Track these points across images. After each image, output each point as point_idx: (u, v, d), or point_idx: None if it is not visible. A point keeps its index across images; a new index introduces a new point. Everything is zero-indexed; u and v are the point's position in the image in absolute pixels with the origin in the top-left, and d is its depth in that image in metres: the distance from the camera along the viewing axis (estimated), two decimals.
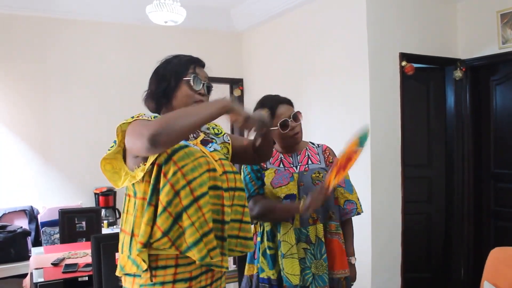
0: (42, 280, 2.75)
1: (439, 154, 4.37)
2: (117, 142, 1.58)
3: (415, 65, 3.93)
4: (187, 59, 1.72)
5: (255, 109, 2.29)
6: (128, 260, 1.57)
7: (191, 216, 1.51)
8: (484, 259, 2.78)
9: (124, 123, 1.56)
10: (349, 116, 3.98)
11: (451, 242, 4.33)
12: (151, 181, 1.52)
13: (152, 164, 1.53)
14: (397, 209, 3.90)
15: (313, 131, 4.01)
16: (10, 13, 4.67)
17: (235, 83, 5.76)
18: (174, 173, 1.50)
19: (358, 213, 2.27)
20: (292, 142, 2.23)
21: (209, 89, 1.74)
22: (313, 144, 2.35)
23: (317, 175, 2.19)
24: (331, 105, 4.20)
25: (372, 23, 3.78)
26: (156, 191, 1.52)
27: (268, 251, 2.19)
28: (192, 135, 1.71)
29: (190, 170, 1.53)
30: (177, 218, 1.50)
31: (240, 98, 5.75)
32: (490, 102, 4.17)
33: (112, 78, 5.07)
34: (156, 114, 1.62)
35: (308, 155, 2.28)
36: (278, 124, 2.17)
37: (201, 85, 1.70)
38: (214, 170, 1.59)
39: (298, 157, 2.27)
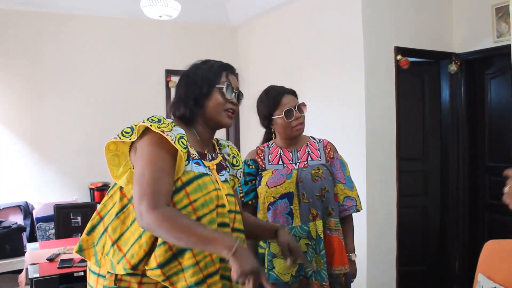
0: (37, 275, 2.75)
1: (434, 147, 4.38)
2: (132, 137, 1.47)
3: (410, 59, 3.93)
4: (219, 65, 1.66)
5: (260, 98, 2.31)
6: (91, 248, 1.54)
7: (196, 255, 1.44)
8: (478, 252, 2.79)
9: (149, 125, 1.44)
10: (344, 110, 3.98)
11: (446, 235, 4.35)
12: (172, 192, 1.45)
13: None
14: (392, 202, 3.92)
15: (309, 125, 3.97)
16: (3, 8, 4.64)
17: None
18: (185, 207, 1.45)
19: (358, 210, 2.27)
20: (294, 134, 2.22)
21: (239, 97, 1.68)
22: (314, 139, 2.35)
23: (317, 171, 2.19)
24: (326, 99, 4.20)
25: (367, 17, 3.78)
26: None
27: (259, 249, 2.21)
28: (210, 155, 1.64)
29: (201, 205, 1.47)
30: (178, 254, 1.43)
31: None
32: (485, 96, 4.18)
33: (107, 73, 5.05)
34: (183, 134, 1.47)
35: (308, 151, 2.27)
36: (283, 113, 2.18)
37: (233, 94, 1.64)
38: (223, 206, 1.55)
39: (298, 153, 2.26)
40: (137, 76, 5.12)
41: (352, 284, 2.28)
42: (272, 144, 2.32)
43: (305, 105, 2.25)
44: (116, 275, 1.47)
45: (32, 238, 4.48)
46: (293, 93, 2.29)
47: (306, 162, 2.23)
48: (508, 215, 3.08)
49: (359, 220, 3.71)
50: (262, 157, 2.27)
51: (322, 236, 2.16)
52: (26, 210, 4.63)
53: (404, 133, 4.03)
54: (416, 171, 4.34)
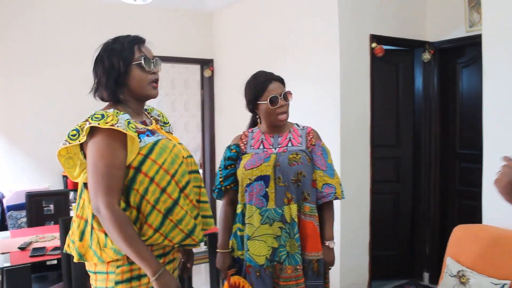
0: (8, 264, 2.71)
1: (407, 134, 4.45)
2: (80, 138, 1.55)
3: (385, 47, 3.96)
4: (130, 41, 1.70)
5: (248, 82, 2.31)
6: (89, 250, 1.60)
7: (183, 206, 1.62)
8: (448, 237, 2.87)
9: (96, 124, 1.51)
10: (319, 98, 4.00)
11: (417, 220, 4.44)
12: (126, 183, 1.56)
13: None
14: (366, 189, 3.98)
15: None
16: None
17: (206, 64, 5.70)
18: (157, 171, 1.57)
19: (337, 198, 2.28)
20: (278, 123, 2.26)
21: (158, 63, 1.74)
22: (298, 126, 2.38)
23: (294, 156, 2.21)
24: (302, 85, 4.21)
25: (343, 5, 3.79)
26: (133, 191, 1.56)
27: (238, 232, 2.26)
28: (148, 120, 1.77)
29: (170, 164, 1.61)
30: (167, 213, 1.58)
31: (211, 79, 5.70)
32: (456, 84, 4.25)
33: (80, 57, 4.92)
34: (129, 118, 1.58)
35: (290, 137, 2.30)
36: (268, 99, 2.20)
37: (152, 64, 1.70)
38: (184, 156, 1.71)
39: (279, 139, 2.29)
40: None
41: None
42: (256, 129, 2.37)
43: (291, 94, 2.29)
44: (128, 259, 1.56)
45: (3, 227, 4.39)
46: (280, 80, 2.31)
47: (286, 147, 2.26)
48: (476, 200, 3.17)
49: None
50: (245, 142, 2.32)
51: (296, 220, 2.18)
52: None
53: (378, 120, 4.08)
54: (389, 158, 4.41)
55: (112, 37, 1.72)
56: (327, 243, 2.27)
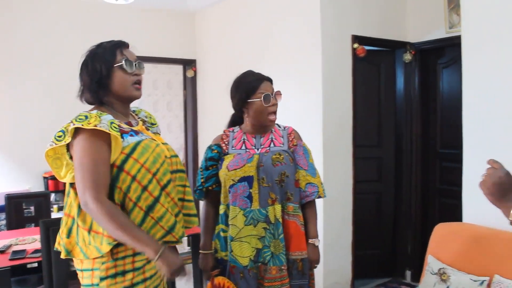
0: None
1: (389, 134, 4.49)
2: (66, 139, 1.61)
3: (367, 48, 4.00)
4: (112, 45, 1.76)
5: (238, 81, 2.30)
6: (76, 246, 1.66)
7: (164, 203, 1.68)
8: (429, 235, 2.91)
9: (80, 125, 1.57)
10: (302, 98, 4.01)
11: (399, 219, 4.49)
12: (109, 181, 1.62)
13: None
14: (348, 189, 4.01)
15: None
16: None
17: (188, 64, 5.68)
18: (139, 170, 1.63)
19: (320, 197, 2.31)
20: (267, 122, 2.26)
21: (141, 66, 1.79)
22: (279, 126, 2.38)
23: (278, 156, 2.22)
24: (285, 86, 4.18)
25: (325, 5, 3.81)
26: (117, 189, 1.62)
27: (221, 233, 2.25)
28: (134, 121, 1.82)
29: (152, 163, 1.66)
30: (148, 210, 1.64)
31: (193, 79, 5.68)
32: (437, 84, 4.31)
33: (60, 57, 4.87)
34: (111, 119, 1.65)
35: (272, 138, 2.31)
36: (262, 97, 2.20)
37: (134, 66, 1.75)
38: (167, 157, 1.77)
39: (262, 139, 2.29)
40: None
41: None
42: (237, 129, 2.36)
43: (281, 94, 2.30)
44: (111, 249, 1.60)
45: None
46: (270, 80, 2.33)
47: (268, 148, 2.26)
48: (457, 199, 3.22)
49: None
50: (226, 142, 2.31)
51: (280, 220, 2.19)
52: None
53: (360, 120, 4.11)
54: (371, 158, 4.45)
55: (97, 43, 1.79)
56: (311, 241, 2.28)
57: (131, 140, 1.67)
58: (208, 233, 2.30)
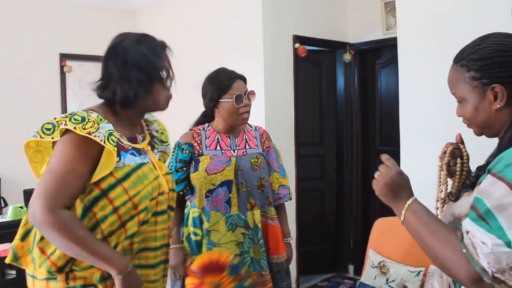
0: None
1: (331, 132, 4.60)
2: (54, 135, 1.36)
3: (308, 48, 4.07)
4: (159, 46, 1.56)
5: (209, 79, 2.20)
6: (28, 255, 1.41)
7: (135, 242, 1.44)
8: (370, 230, 3.00)
9: (72, 128, 1.32)
10: None
11: (342, 215, 4.61)
12: (86, 203, 1.36)
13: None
14: (291, 186, 4.03)
15: None
16: None
17: None
18: (124, 203, 1.37)
19: (290, 198, 2.31)
20: (240, 122, 2.17)
21: (174, 79, 1.58)
22: (250, 126, 2.32)
23: (256, 160, 2.17)
24: None
25: (267, 5, 3.83)
26: (90, 213, 1.36)
27: (193, 237, 2.13)
28: (140, 136, 1.56)
29: (143, 198, 1.41)
30: (116, 246, 1.39)
31: None
32: (376, 83, 4.46)
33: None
34: (111, 129, 1.40)
35: (246, 138, 2.24)
36: (234, 97, 2.11)
37: (172, 80, 1.55)
38: (163, 193, 1.51)
39: (236, 139, 2.22)
40: (27, 60, 4.75)
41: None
42: (208, 127, 2.23)
43: (254, 94, 2.22)
44: (67, 274, 1.36)
45: None
46: (244, 79, 2.25)
47: (244, 150, 2.20)
48: None
49: None
50: (198, 141, 2.17)
51: (259, 225, 2.14)
52: None
53: (302, 119, 4.18)
54: (313, 156, 4.53)
55: (138, 32, 1.55)
56: (286, 240, 2.30)
57: (128, 162, 1.41)
58: (176, 227, 2.15)
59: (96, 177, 1.35)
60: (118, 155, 1.39)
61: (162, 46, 1.56)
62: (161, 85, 1.50)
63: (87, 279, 1.38)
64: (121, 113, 1.50)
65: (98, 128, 1.34)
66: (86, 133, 1.31)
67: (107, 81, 1.46)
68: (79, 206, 1.35)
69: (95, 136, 1.32)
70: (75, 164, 1.32)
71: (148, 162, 1.49)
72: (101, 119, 1.38)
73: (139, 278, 1.39)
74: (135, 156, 1.45)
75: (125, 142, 1.46)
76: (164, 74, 1.50)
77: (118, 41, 1.50)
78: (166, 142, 1.74)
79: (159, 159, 1.62)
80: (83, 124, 1.33)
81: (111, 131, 1.38)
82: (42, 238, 1.35)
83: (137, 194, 1.39)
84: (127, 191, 1.38)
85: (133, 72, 1.44)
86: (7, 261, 1.43)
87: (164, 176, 1.55)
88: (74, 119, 1.34)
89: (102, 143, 1.33)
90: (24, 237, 1.42)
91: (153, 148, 1.61)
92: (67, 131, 1.34)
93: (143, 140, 1.57)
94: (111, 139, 1.36)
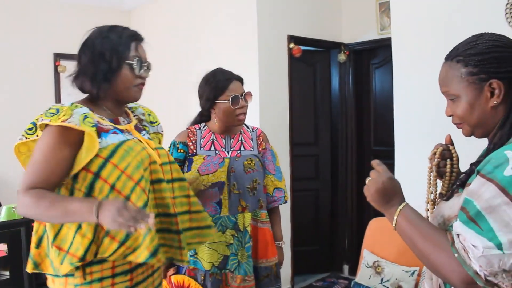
0: None
1: (325, 132, 4.60)
2: (38, 132, 1.43)
3: (303, 48, 4.07)
4: (128, 36, 1.55)
5: (206, 79, 2.19)
6: (46, 259, 1.44)
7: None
8: (365, 230, 3.01)
9: (48, 121, 1.37)
10: None
11: (336, 215, 4.61)
12: (84, 190, 1.38)
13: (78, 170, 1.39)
14: (286, 186, 4.05)
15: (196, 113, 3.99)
16: None
17: None
18: (118, 178, 1.39)
19: (285, 201, 2.29)
20: (236, 123, 2.16)
21: (149, 69, 1.61)
22: (247, 127, 2.31)
23: (249, 162, 2.16)
24: None
25: (261, 5, 3.83)
26: (92, 199, 1.37)
27: None
28: (123, 120, 1.58)
29: (135, 169, 1.41)
30: None
31: None
32: (370, 84, 4.47)
33: None
34: (86, 112, 1.41)
35: (241, 139, 2.23)
36: (230, 99, 2.10)
37: (143, 68, 1.56)
38: (155, 162, 1.50)
39: (231, 140, 2.21)
40: (21, 60, 4.73)
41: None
42: (204, 127, 2.23)
43: (251, 95, 2.21)
44: (84, 269, 1.38)
45: None
46: (241, 80, 2.24)
47: (238, 151, 2.18)
48: None
49: None
50: (193, 141, 2.17)
51: (248, 229, 2.13)
52: None
53: (296, 119, 4.18)
54: (308, 156, 4.53)
55: (109, 24, 1.56)
56: (278, 243, 2.29)
57: (111, 140, 1.43)
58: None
59: (83, 160, 1.38)
60: (100, 136, 1.41)
61: (132, 35, 1.57)
62: (127, 72, 1.51)
63: (103, 272, 1.40)
64: (102, 104, 1.54)
65: (72, 114, 1.37)
66: (59, 123, 1.35)
67: (77, 74, 1.52)
68: (79, 196, 1.39)
69: (69, 122, 1.35)
70: (51, 153, 1.37)
71: (132, 138, 1.51)
72: (75, 106, 1.42)
73: (114, 200, 1.31)
74: (118, 134, 1.48)
75: (106, 123, 1.49)
76: (133, 62, 1.51)
77: (89, 34, 1.53)
78: (156, 122, 1.78)
79: (152, 140, 1.65)
80: (58, 115, 1.37)
81: (86, 114, 1.40)
82: (55, 237, 1.39)
83: (128, 166, 1.40)
84: (117, 165, 1.39)
85: (98, 62, 1.47)
86: (28, 270, 1.47)
87: (157, 150, 1.56)
88: (50, 113, 1.39)
89: (77, 127, 1.35)
90: (38, 244, 1.46)
91: (141, 131, 1.64)
92: (46, 125, 1.40)
93: (128, 123, 1.59)
94: (87, 121, 1.38)
